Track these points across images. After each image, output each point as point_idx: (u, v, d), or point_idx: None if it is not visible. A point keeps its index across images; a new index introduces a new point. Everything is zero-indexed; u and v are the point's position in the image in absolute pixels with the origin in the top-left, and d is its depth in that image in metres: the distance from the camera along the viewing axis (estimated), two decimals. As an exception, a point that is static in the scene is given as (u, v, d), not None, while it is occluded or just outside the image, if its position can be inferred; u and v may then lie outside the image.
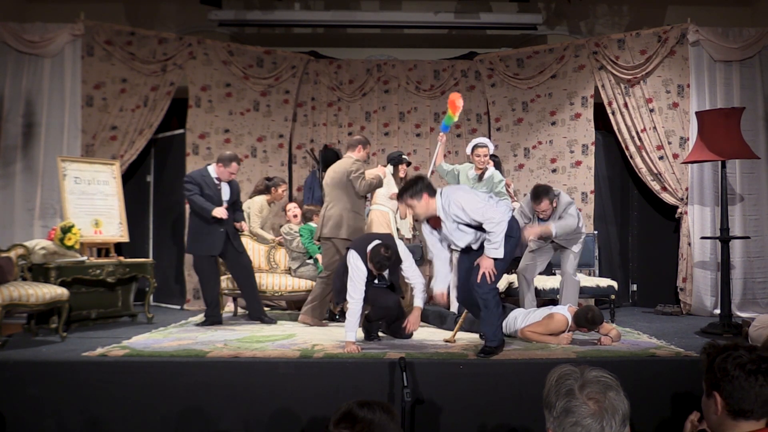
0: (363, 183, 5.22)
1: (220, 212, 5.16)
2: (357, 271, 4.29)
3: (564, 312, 4.43)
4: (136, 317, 5.75)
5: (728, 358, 1.84)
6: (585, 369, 1.58)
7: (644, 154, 6.56)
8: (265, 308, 5.77)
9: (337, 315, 5.70)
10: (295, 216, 6.28)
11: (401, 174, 6.04)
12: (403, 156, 6.14)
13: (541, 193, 4.80)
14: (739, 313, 5.97)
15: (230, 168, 5.33)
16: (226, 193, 5.41)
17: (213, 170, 5.38)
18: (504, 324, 4.49)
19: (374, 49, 7.88)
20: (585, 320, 4.28)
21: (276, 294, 5.89)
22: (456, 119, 5.50)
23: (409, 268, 4.52)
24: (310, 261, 5.97)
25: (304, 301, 6.44)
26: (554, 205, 4.83)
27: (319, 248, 5.96)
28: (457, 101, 5.43)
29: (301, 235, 5.99)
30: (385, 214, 5.74)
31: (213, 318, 5.37)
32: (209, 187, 5.30)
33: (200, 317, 5.93)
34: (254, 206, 6.27)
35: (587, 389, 1.51)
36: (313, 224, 6.08)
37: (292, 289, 5.87)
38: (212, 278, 5.40)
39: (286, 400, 3.60)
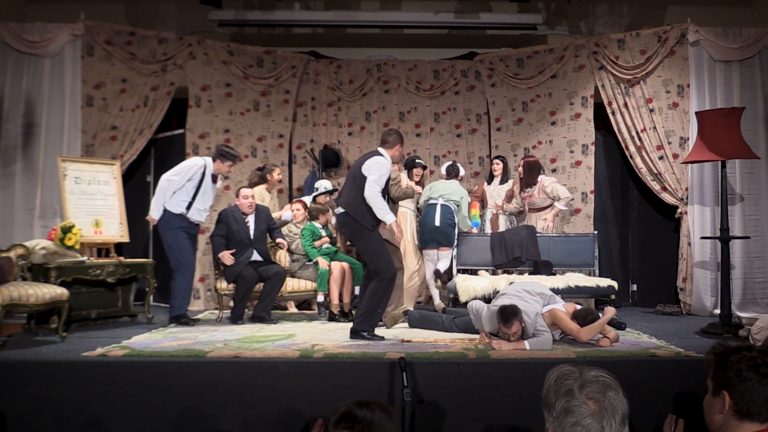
0: (398, 190, 5.65)
1: (223, 256, 5.48)
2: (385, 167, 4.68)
3: (559, 307, 4.47)
4: (136, 317, 5.75)
5: (743, 359, 1.85)
6: (584, 369, 1.58)
7: (644, 154, 6.56)
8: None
9: (336, 315, 5.70)
10: (300, 212, 6.28)
11: (416, 178, 6.48)
12: (417, 160, 6.58)
13: (510, 315, 4.16)
14: (739, 313, 5.96)
15: (240, 197, 5.71)
16: (252, 225, 5.70)
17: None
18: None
19: (374, 49, 7.88)
20: (584, 321, 4.27)
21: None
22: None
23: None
24: (311, 263, 5.95)
25: (306, 300, 6.46)
26: (522, 324, 4.21)
27: (318, 251, 5.95)
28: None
29: (302, 236, 5.98)
30: (404, 214, 6.11)
31: (238, 313, 5.56)
32: (238, 222, 5.64)
33: (201, 317, 5.94)
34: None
35: (587, 389, 1.52)
36: (317, 224, 6.06)
37: (293, 290, 5.86)
38: (248, 290, 5.56)
39: (286, 400, 3.60)
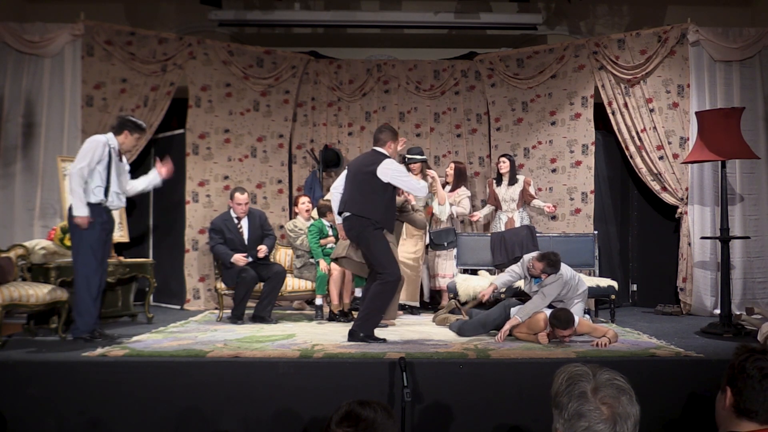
0: (411, 216, 5.87)
1: (237, 259, 5.52)
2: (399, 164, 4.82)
3: (546, 312, 4.55)
4: (136, 317, 5.75)
5: (750, 357, 1.86)
6: (597, 370, 1.54)
7: (644, 154, 6.56)
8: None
9: (337, 315, 5.69)
10: (307, 210, 6.24)
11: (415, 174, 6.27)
12: (409, 155, 6.36)
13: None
14: (739, 313, 5.96)
15: (235, 201, 5.68)
16: (246, 231, 5.72)
17: (232, 210, 5.76)
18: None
19: (374, 49, 7.87)
20: (555, 319, 4.35)
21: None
22: None
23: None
24: (313, 261, 5.94)
25: (306, 300, 6.43)
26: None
27: (322, 250, 5.93)
28: None
29: (309, 231, 5.95)
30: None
31: (238, 313, 5.55)
32: (230, 230, 5.65)
33: (201, 317, 5.94)
34: None
35: (601, 393, 1.49)
36: (325, 221, 6.03)
37: (293, 290, 5.86)
38: (248, 291, 5.55)
39: (286, 400, 3.60)
